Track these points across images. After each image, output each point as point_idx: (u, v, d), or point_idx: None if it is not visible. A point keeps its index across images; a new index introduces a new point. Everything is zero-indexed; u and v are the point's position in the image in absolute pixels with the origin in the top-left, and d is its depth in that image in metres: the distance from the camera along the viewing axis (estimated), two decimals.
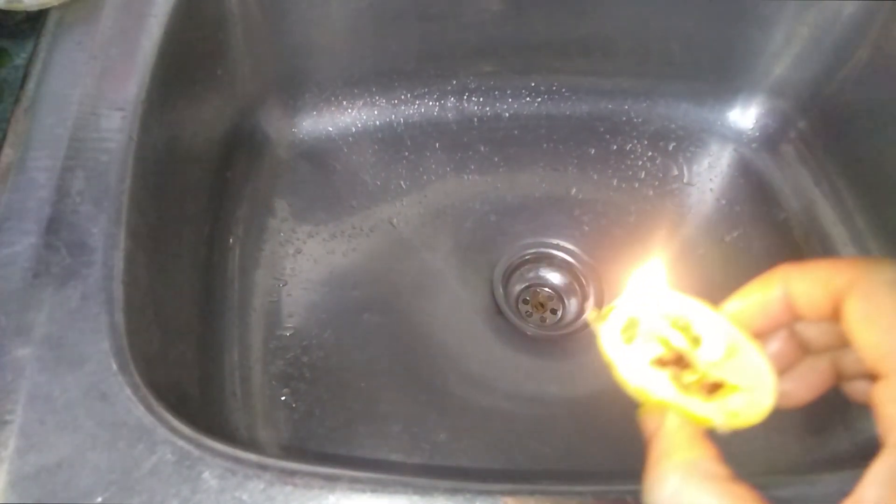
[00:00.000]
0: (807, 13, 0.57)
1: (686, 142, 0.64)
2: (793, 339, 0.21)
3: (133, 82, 0.38)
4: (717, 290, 0.23)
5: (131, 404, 0.28)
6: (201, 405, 0.42)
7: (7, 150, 0.35)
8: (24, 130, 0.35)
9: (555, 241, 0.59)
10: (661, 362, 0.21)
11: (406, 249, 0.58)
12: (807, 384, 0.22)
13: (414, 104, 0.64)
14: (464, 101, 0.64)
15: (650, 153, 0.64)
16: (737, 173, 0.63)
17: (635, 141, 0.64)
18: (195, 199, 0.48)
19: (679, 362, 0.21)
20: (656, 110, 0.65)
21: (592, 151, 0.64)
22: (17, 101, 0.36)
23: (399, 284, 0.56)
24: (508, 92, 0.64)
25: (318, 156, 0.61)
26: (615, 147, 0.64)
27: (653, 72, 0.64)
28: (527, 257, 0.59)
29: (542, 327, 0.57)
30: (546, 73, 0.64)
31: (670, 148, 0.64)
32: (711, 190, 0.62)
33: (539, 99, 0.65)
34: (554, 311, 0.58)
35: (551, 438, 0.50)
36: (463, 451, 0.49)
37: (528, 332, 0.55)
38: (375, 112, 0.63)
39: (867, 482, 0.17)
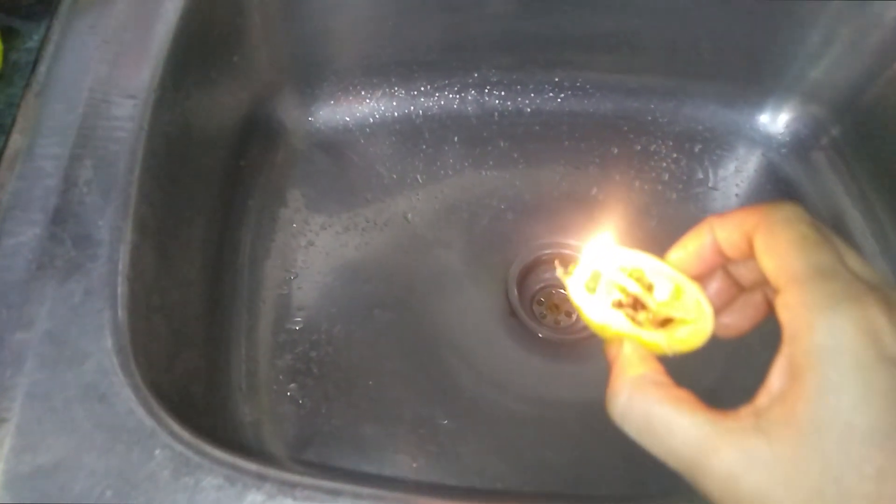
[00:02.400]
0: (847, 15, 0.54)
1: (713, 144, 0.62)
2: (728, 278, 0.25)
3: (146, 69, 0.37)
4: None
5: (131, 405, 0.27)
6: (206, 399, 0.41)
7: (16, 135, 0.34)
8: (34, 116, 0.34)
9: (573, 243, 0.58)
10: (621, 305, 0.25)
11: (420, 245, 0.57)
12: (744, 315, 0.25)
13: (434, 96, 0.62)
14: (485, 95, 0.63)
15: (675, 155, 0.62)
16: (764, 179, 0.61)
17: (660, 141, 0.63)
18: (207, 188, 0.47)
19: (636, 305, 0.25)
20: (683, 111, 0.63)
21: (615, 151, 0.62)
22: (27, 85, 0.36)
23: (412, 281, 0.55)
24: (531, 87, 0.63)
25: (334, 146, 0.60)
26: (639, 147, 0.62)
27: (681, 70, 0.62)
28: (543, 257, 0.58)
29: (556, 330, 0.55)
30: (570, 69, 0.62)
31: (696, 150, 0.62)
32: (737, 195, 0.61)
33: (562, 95, 0.63)
34: (569, 314, 0.57)
35: (561, 445, 0.49)
36: (470, 455, 0.48)
37: (541, 335, 0.54)
38: (394, 103, 0.62)
39: (773, 373, 0.20)
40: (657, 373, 0.23)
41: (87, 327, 0.29)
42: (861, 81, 0.56)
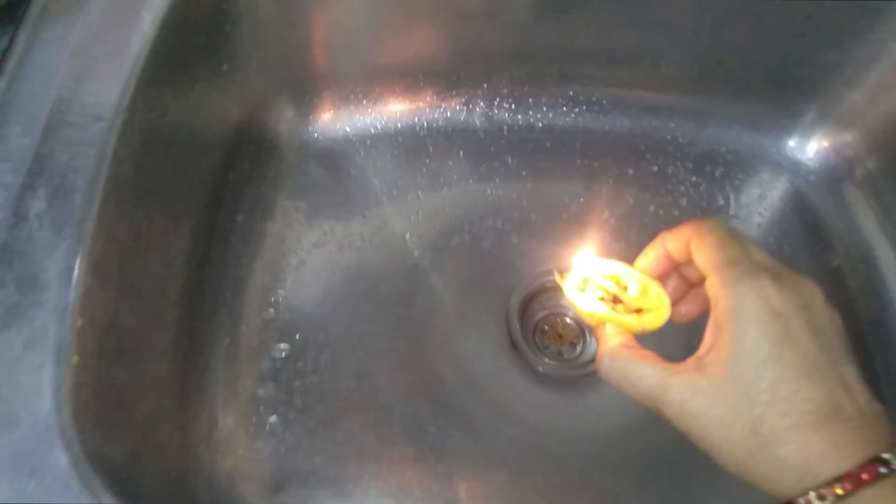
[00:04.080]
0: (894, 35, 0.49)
1: (735, 168, 0.58)
2: (681, 277, 0.34)
3: (115, 87, 0.34)
4: None
5: (66, 480, 0.24)
6: (173, 438, 0.38)
7: None
8: None
9: None
10: (603, 300, 0.34)
11: (418, 268, 0.53)
12: (694, 304, 0.34)
13: (440, 107, 0.59)
14: (494, 108, 0.59)
15: (694, 178, 0.58)
16: (789, 208, 0.57)
17: (679, 163, 0.59)
18: (188, 207, 0.44)
19: (615, 300, 0.33)
20: (705, 131, 0.59)
21: (630, 172, 0.58)
22: None
23: (407, 307, 0.52)
24: (543, 100, 0.59)
25: (331, 158, 0.57)
26: (656, 168, 0.58)
27: (704, 88, 0.58)
28: (548, 284, 0.54)
29: (558, 362, 0.52)
30: (586, 83, 0.58)
31: (717, 174, 0.58)
32: (759, 224, 0.57)
33: (576, 110, 0.59)
34: (573, 345, 0.54)
35: (559, 493, 0.46)
36: (458, 501, 0.45)
37: (541, 369, 0.51)
38: (398, 114, 0.58)
39: (706, 332, 0.29)
40: (630, 341, 0.32)
41: (25, 385, 0.26)
42: None
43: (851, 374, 0.27)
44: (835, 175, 0.56)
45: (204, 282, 0.47)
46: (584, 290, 0.34)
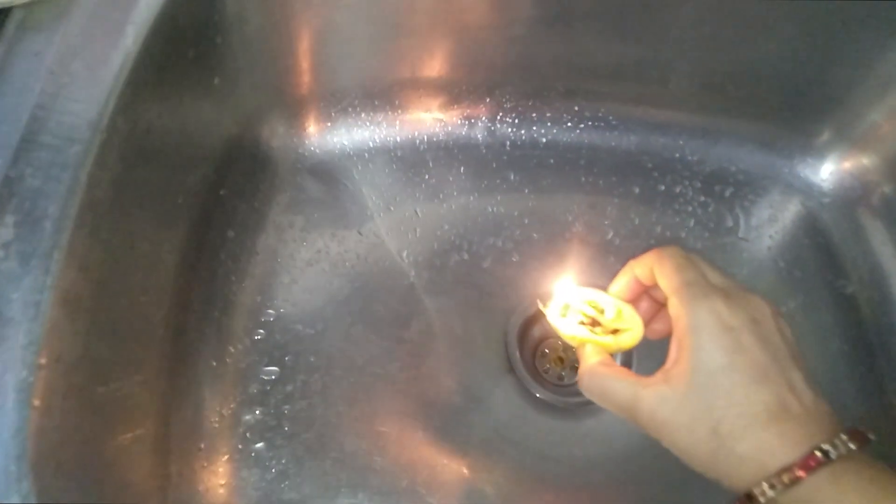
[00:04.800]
0: None
1: (745, 188, 0.56)
2: (651, 299, 0.37)
3: (94, 105, 0.33)
4: None
5: None
6: (151, 468, 0.37)
7: None
8: None
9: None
10: (583, 323, 0.36)
11: (414, 288, 0.52)
12: (665, 323, 0.36)
13: (441, 121, 0.57)
14: (496, 122, 0.57)
15: (702, 198, 0.56)
16: (801, 232, 0.55)
17: (687, 182, 0.57)
18: (175, 226, 0.42)
19: (593, 323, 0.36)
20: (715, 149, 0.57)
21: (637, 190, 0.56)
22: None
23: (402, 329, 0.50)
24: (547, 115, 0.57)
25: (327, 172, 0.55)
26: (663, 187, 0.56)
27: (715, 105, 0.56)
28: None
29: (557, 387, 0.50)
30: (592, 98, 0.56)
31: (727, 194, 0.56)
32: (769, 248, 0.55)
33: (581, 126, 0.57)
34: (575, 369, 0.52)
35: None
36: None
37: (538, 395, 0.49)
38: (397, 127, 0.57)
39: (671, 348, 0.32)
40: (606, 359, 0.35)
41: None
42: None
43: (798, 378, 0.29)
44: (850, 198, 0.54)
45: (191, 301, 0.45)
46: (565, 315, 0.37)
